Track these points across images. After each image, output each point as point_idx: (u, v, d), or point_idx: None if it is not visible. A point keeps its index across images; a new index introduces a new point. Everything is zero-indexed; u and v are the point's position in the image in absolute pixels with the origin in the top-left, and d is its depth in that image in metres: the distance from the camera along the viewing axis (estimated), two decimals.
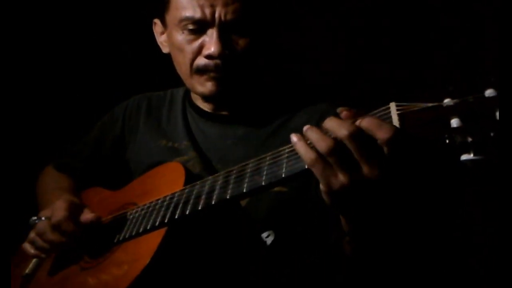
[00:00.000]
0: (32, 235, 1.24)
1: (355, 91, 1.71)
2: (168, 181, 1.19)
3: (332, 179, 0.79)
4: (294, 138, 0.83)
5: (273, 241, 1.15)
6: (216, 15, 1.14)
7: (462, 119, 0.73)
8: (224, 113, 1.30)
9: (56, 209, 1.19)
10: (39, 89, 2.02)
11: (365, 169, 0.77)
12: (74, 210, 1.20)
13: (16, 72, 1.91)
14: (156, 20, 1.31)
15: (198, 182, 1.07)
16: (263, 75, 1.32)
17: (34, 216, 1.25)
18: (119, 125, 1.46)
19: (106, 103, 1.57)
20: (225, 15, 1.14)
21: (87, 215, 1.20)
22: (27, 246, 1.27)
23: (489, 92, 0.73)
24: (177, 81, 1.31)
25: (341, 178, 0.79)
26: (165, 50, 1.31)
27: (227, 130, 1.27)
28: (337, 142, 0.78)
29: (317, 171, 0.80)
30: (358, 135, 0.76)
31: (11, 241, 1.30)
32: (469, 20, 1.44)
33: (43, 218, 1.21)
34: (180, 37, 1.19)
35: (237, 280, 1.13)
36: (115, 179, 1.43)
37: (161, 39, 1.32)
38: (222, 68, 1.17)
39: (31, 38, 1.98)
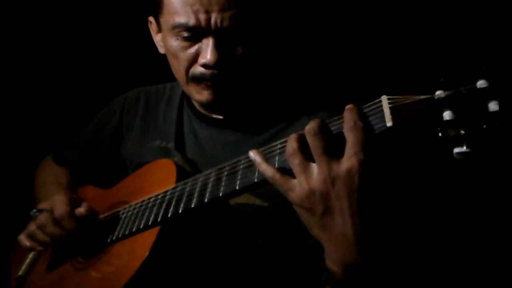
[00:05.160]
0: (32, 227, 1.22)
1: (344, 83, 1.71)
2: (159, 178, 1.18)
3: (290, 192, 0.80)
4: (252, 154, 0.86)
5: (262, 244, 1.13)
6: (212, 21, 1.06)
7: (454, 112, 0.72)
8: (218, 116, 1.27)
9: (58, 203, 1.18)
10: (38, 85, 2.00)
11: (317, 170, 0.77)
12: (75, 206, 1.19)
13: (15, 68, 1.91)
14: (151, 19, 1.25)
15: (189, 180, 1.06)
16: (261, 81, 1.27)
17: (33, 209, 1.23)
18: (117, 117, 1.44)
19: (105, 98, 1.55)
20: (221, 22, 1.07)
21: (81, 209, 1.19)
22: (23, 239, 1.25)
23: (480, 83, 0.72)
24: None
25: (296, 187, 0.79)
26: (161, 50, 1.25)
27: (219, 134, 1.25)
28: (305, 142, 0.79)
29: (277, 184, 0.81)
30: (318, 130, 0.77)
31: (11, 241, 1.29)
32: (458, 10, 1.44)
33: (43, 211, 1.19)
34: (175, 43, 1.13)
35: (231, 278, 1.12)
36: (111, 174, 1.42)
37: (157, 38, 1.25)
38: (219, 77, 1.12)
39: (30, 33, 1.95)
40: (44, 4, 1.93)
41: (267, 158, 0.86)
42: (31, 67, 1.96)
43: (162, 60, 1.28)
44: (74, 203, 1.20)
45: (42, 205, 1.22)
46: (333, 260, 0.80)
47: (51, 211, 1.18)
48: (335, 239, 0.78)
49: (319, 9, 1.86)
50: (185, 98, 1.35)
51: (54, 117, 1.97)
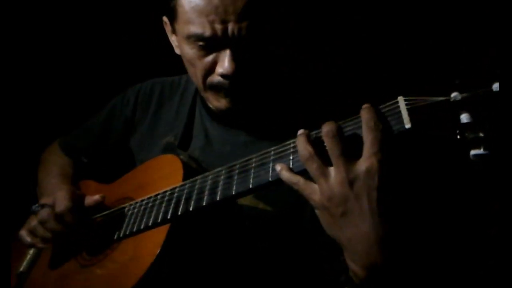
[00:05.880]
0: (33, 223, 1.21)
1: (359, 85, 1.71)
2: (164, 174, 1.17)
3: (312, 196, 0.81)
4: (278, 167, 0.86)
5: (268, 247, 1.13)
6: (229, 32, 1.02)
7: (472, 115, 0.73)
8: (231, 116, 1.23)
9: (59, 198, 1.17)
10: (38, 83, 1.98)
11: (334, 172, 0.78)
12: (76, 202, 1.19)
13: (17, 66, 1.89)
14: (166, 20, 1.19)
15: (198, 177, 1.05)
16: (270, 84, 1.25)
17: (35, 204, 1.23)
18: (130, 108, 1.42)
19: (104, 96, 1.53)
20: (238, 32, 1.02)
21: (91, 198, 1.20)
22: (24, 234, 1.24)
23: (496, 86, 0.73)
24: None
25: (318, 190, 0.80)
26: (177, 51, 1.21)
27: (229, 134, 1.23)
28: (317, 144, 0.80)
29: (301, 189, 0.82)
30: (336, 132, 0.78)
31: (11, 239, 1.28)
32: (469, 12, 1.44)
33: (45, 206, 1.18)
34: (191, 51, 1.10)
35: (237, 280, 1.11)
36: (115, 167, 1.41)
37: (173, 38, 1.21)
38: (237, 86, 1.09)
39: (32, 29, 1.93)
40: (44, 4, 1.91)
41: (289, 167, 0.86)
42: (33, 64, 1.95)
43: (161, 58, 1.28)
44: (76, 198, 1.19)
45: (43, 201, 1.21)
46: (354, 260, 0.81)
47: (52, 207, 1.17)
48: (356, 239, 0.79)
49: (319, 9, 1.85)
50: (199, 94, 1.32)
51: (54, 116, 1.96)
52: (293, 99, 1.26)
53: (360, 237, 0.78)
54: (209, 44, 1.06)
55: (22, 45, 1.92)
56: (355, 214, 0.78)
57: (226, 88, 1.10)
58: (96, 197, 1.21)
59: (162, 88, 1.42)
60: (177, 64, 1.23)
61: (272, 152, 0.92)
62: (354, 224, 0.78)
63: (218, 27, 1.02)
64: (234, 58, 1.05)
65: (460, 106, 0.75)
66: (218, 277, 1.10)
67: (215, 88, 1.12)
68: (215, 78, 1.10)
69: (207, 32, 1.03)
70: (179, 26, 1.11)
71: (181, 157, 1.21)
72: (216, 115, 1.26)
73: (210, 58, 1.09)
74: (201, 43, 1.07)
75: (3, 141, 1.52)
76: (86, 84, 2.01)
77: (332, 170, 0.79)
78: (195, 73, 1.13)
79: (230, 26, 1.02)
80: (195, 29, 1.05)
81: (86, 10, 1.97)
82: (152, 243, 1.04)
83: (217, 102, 1.15)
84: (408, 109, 0.78)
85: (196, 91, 1.34)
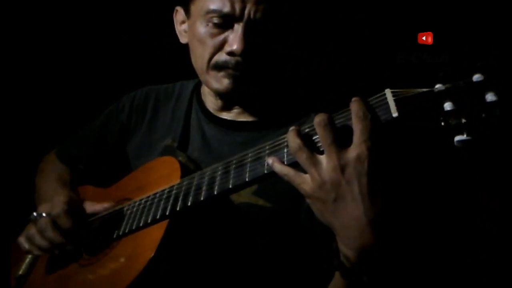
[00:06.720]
0: (31, 231, 1.22)
1: (347, 81, 1.72)
2: (163, 175, 1.19)
3: (303, 185, 0.84)
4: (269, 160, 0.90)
5: (268, 244, 1.15)
6: (246, 11, 1.10)
7: (454, 103, 0.77)
8: (227, 117, 1.27)
9: (56, 203, 1.20)
10: (38, 84, 2.00)
11: (326, 160, 0.81)
12: (73, 205, 1.21)
13: (17, 67, 1.91)
14: (179, 8, 1.27)
15: (195, 174, 1.08)
16: (269, 81, 1.27)
17: (34, 212, 1.23)
18: (126, 114, 1.45)
19: (104, 97, 1.56)
20: (254, 13, 1.10)
21: (95, 206, 1.23)
22: (22, 241, 1.25)
23: (476, 77, 0.78)
24: (185, 76, 1.29)
25: (308, 180, 0.83)
26: (183, 40, 1.27)
27: (227, 135, 1.25)
28: (306, 137, 0.84)
29: (291, 179, 0.85)
30: (328, 121, 0.81)
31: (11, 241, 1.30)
32: (455, 10, 1.45)
33: (43, 214, 1.20)
34: (204, 29, 1.15)
35: (236, 277, 1.13)
36: (112, 172, 1.43)
37: (181, 28, 1.28)
38: (242, 67, 1.14)
39: (32, 29, 1.96)
40: (44, 4, 1.94)
41: (281, 159, 0.90)
42: (32, 66, 1.97)
43: (160, 60, 1.29)
44: (72, 203, 1.22)
45: (42, 208, 1.23)
46: (346, 245, 0.84)
47: (50, 214, 1.19)
48: (348, 223, 0.82)
49: (322, 7, 1.88)
50: (195, 97, 1.36)
51: (54, 117, 1.97)
52: (294, 98, 1.29)
53: (353, 221, 0.81)
54: (224, 22, 1.13)
55: (21, 46, 1.93)
56: (347, 199, 0.81)
57: (230, 67, 1.15)
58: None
59: (157, 94, 1.45)
60: (175, 63, 1.25)
61: (267, 147, 0.96)
62: (346, 208, 0.81)
63: (237, 5, 1.10)
64: (245, 38, 1.11)
65: (443, 96, 0.79)
66: (217, 274, 1.12)
67: (219, 68, 1.16)
68: (222, 56, 1.15)
69: (226, 8, 1.11)
70: (197, 5, 1.17)
71: (180, 158, 1.23)
72: (213, 117, 1.29)
73: (221, 37, 1.15)
74: (216, 20, 1.13)
75: (3, 142, 1.54)
76: (83, 88, 2.02)
77: (323, 158, 0.82)
78: (203, 53, 1.17)
79: (248, 6, 1.10)
80: (214, 5, 1.12)
81: (85, 12, 1.98)
82: (151, 239, 1.06)
83: (217, 84, 1.18)
84: (395, 100, 0.81)
85: (192, 94, 1.38)
